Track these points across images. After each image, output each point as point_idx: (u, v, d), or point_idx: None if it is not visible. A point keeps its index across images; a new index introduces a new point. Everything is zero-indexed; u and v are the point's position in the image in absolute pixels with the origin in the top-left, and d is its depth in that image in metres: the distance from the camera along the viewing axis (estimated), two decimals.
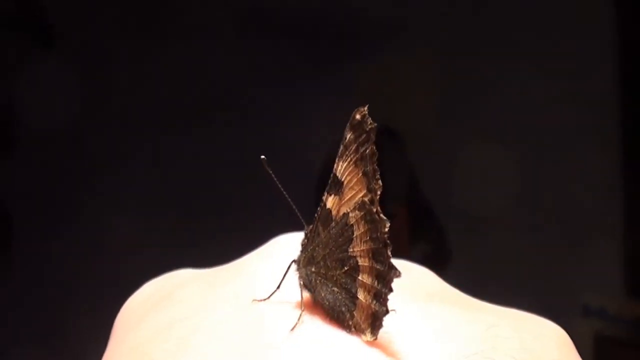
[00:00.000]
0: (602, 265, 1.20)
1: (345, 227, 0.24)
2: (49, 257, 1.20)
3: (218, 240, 0.90)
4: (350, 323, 0.23)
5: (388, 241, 0.23)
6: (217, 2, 1.28)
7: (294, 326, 0.22)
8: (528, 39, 1.22)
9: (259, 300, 0.24)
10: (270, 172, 0.26)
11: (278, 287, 0.24)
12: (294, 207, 0.26)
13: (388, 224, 0.23)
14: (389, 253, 0.23)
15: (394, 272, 0.23)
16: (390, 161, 1.26)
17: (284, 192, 0.26)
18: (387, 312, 0.22)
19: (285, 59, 1.26)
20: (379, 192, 0.23)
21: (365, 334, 0.23)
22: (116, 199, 1.19)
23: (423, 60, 1.26)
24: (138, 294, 0.27)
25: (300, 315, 0.23)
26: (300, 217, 0.25)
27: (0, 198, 1.23)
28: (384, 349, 0.22)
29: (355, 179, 0.23)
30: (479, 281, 1.19)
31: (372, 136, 0.23)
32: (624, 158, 1.22)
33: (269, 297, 0.24)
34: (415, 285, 0.25)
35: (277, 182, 0.26)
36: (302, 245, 0.25)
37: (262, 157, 0.26)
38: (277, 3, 1.24)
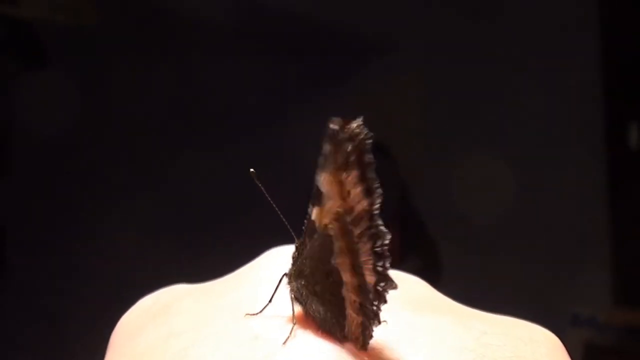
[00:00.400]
0: (591, 275, 1.20)
1: (327, 238, 0.23)
2: (45, 270, 1.19)
3: (211, 253, 0.90)
4: (342, 334, 0.23)
5: (387, 253, 0.23)
6: (213, 15, 1.28)
7: (286, 340, 0.23)
8: (517, 55, 1.23)
9: (251, 315, 0.24)
10: (260, 185, 0.26)
11: (270, 300, 0.24)
12: (284, 220, 0.26)
13: (388, 237, 0.23)
14: (387, 265, 0.23)
15: (390, 284, 0.23)
16: (382, 176, 1.26)
17: (274, 205, 0.26)
18: (378, 323, 0.23)
19: (279, 76, 1.26)
20: (378, 202, 0.23)
21: (356, 344, 0.23)
22: (112, 217, 1.19)
23: (413, 77, 1.27)
24: (134, 309, 0.27)
25: (292, 328, 0.23)
26: (291, 230, 0.25)
27: None
28: (374, 358, 0.22)
29: (332, 189, 0.23)
30: (469, 293, 1.20)
31: (349, 146, 0.22)
32: (611, 171, 1.23)
33: (261, 311, 0.24)
34: (406, 295, 0.25)
35: (267, 195, 0.26)
36: (292, 258, 0.25)
37: (251, 170, 0.27)
38: (270, 22, 1.25)
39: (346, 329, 0.23)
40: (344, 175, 0.22)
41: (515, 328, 0.25)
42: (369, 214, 0.23)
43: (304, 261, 0.24)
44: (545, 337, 0.25)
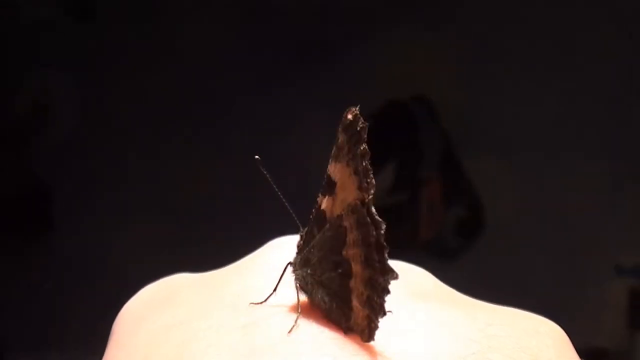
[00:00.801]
0: (634, 223, 1.20)
1: (339, 229, 0.23)
2: (47, 260, 1.20)
3: (214, 243, 0.90)
4: (347, 325, 0.23)
5: (384, 243, 0.22)
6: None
7: (291, 329, 0.22)
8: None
9: (255, 304, 0.24)
10: (265, 172, 0.26)
11: (274, 290, 0.24)
12: (289, 208, 0.26)
13: (384, 226, 0.22)
14: (386, 256, 0.22)
15: (390, 274, 0.22)
16: (425, 129, 1.27)
17: (279, 193, 0.26)
18: (383, 314, 0.22)
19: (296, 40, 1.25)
20: (372, 192, 0.23)
21: (361, 336, 0.23)
22: (114, 205, 1.19)
23: (450, 28, 1.26)
24: (136, 298, 0.27)
25: (297, 317, 0.23)
26: (296, 219, 0.25)
27: None
28: (380, 350, 0.22)
29: (348, 180, 0.23)
30: (514, 247, 1.20)
31: (364, 136, 0.23)
32: None
33: (265, 300, 0.24)
34: (411, 286, 0.25)
35: (272, 183, 0.26)
36: (297, 247, 0.25)
37: (257, 157, 0.26)
38: None
39: (352, 320, 0.23)
40: (361, 165, 0.22)
41: (521, 319, 0.24)
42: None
43: (312, 250, 0.24)
44: (550, 329, 0.24)
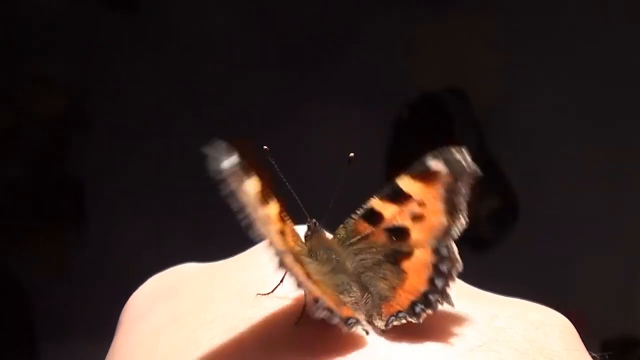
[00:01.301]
0: None
1: (405, 241, 0.25)
2: (55, 251, 1.21)
3: (221, 234, 0.90)
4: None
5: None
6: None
7: (298, 320, 0.22)
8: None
9: (262, 295, 0.24)
10: (273, 162, 0.26)
11: (281, 281, 0.24)
12: (296, 198, 0.26)
13: (460, 268, 0.24)
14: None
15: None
16: (459, 120, 1.27)
17: (286, 182, 0.26)
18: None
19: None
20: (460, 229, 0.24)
21: (379, 322, 0.23)
22: (122, 197, 1.19)
23: (487, 20, 1.25)
24: (143, 288, 0.27)
25: (303, 308, 0.23)
26: (303, 208, 0.25)
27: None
28: (388, 341, 0.22)
29: (432, 203, 0.24)
30: (546, 239, 1.18)
31: (468, 178, 0.24)
32: None
33: (272, 291, 0.24)
34: None
35: (280, 173, 0.26)
36: (305, 237, 0.25)
37: (265, 147, 0.26)
38: None
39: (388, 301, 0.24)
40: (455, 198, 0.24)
41: (528, 311, 0.24)
42: None
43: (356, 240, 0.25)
44: (557, 321, 0.24)
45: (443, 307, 0.23)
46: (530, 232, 1.19)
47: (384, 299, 0.24)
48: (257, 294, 0.23)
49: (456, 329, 0.22)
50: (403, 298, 0.23)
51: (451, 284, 0.23)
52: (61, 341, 1.12)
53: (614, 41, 1.19)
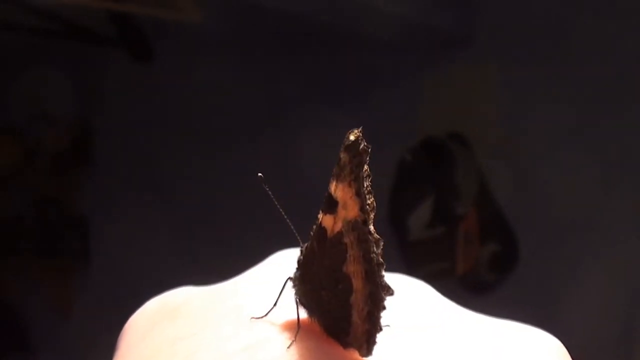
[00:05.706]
0: None
1: (340, 246, 0.24)
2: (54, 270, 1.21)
3: (217, 257, 0.90)
4: (346, 340, 0.23)
5: (382, 260, 0.23)
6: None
7: (291, 344, 0.23)
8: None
9: (256, 318, 0.24)
10: (267, 189, 0.27)
11: (275, 304, 0.24)
12: (290, 224, 0.26)
13: (382, 244, 0.23)
14: (382, 273, 0.23)
15: (387, 291, 0.23)
16: (461, 165, 1.28)
17: (280, 209, 0.26)
18: (380, 329, 0.23)
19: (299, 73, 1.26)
20: (372, 213, 0.23)
21: (360, 351, 0.23)
22: (120, 216, 1.20)
23: (489, 68, 1.26)
24: (142, 311, 0.27)
25: (297, 332, 0.23)
26: (296, 234, 0.26)
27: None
28: None
29: (350, 199, 0.23)
30: (548, 278, 1.18)
31: (366, 158, 0.23)
32: None
33: (266, 314, 0.24)
34: (411, 300, 0.25)
35: (274, 199, 0.26)
36: (298, 262, 0.25)
37: (259, 174, 0.27)
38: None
39: (350, 335, 0.23)
40: (363, 187, 0.23)
41: (521, 334, 0.24)
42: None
43: (312, 266, 0.25)
44: (547, 341, 0.24)
45: (433, 329, 0.24)
46: (530, 274, 1.19)
47: None
48: (251, 318, 0.24)
49: (448, 352, 0.23)
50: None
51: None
52: None
53: (617, 91, 1.20)
